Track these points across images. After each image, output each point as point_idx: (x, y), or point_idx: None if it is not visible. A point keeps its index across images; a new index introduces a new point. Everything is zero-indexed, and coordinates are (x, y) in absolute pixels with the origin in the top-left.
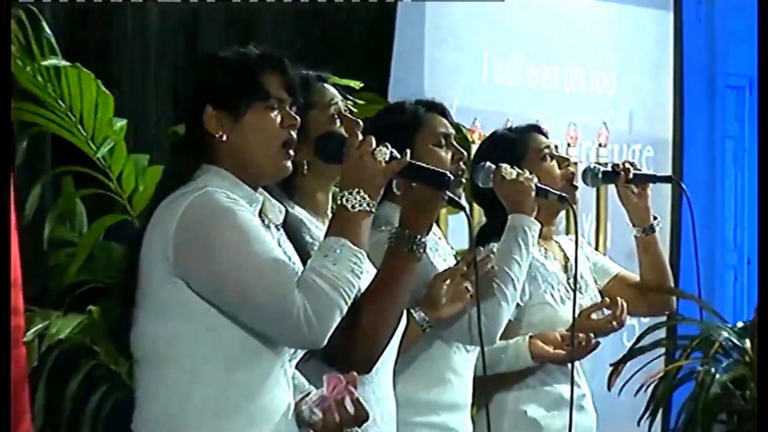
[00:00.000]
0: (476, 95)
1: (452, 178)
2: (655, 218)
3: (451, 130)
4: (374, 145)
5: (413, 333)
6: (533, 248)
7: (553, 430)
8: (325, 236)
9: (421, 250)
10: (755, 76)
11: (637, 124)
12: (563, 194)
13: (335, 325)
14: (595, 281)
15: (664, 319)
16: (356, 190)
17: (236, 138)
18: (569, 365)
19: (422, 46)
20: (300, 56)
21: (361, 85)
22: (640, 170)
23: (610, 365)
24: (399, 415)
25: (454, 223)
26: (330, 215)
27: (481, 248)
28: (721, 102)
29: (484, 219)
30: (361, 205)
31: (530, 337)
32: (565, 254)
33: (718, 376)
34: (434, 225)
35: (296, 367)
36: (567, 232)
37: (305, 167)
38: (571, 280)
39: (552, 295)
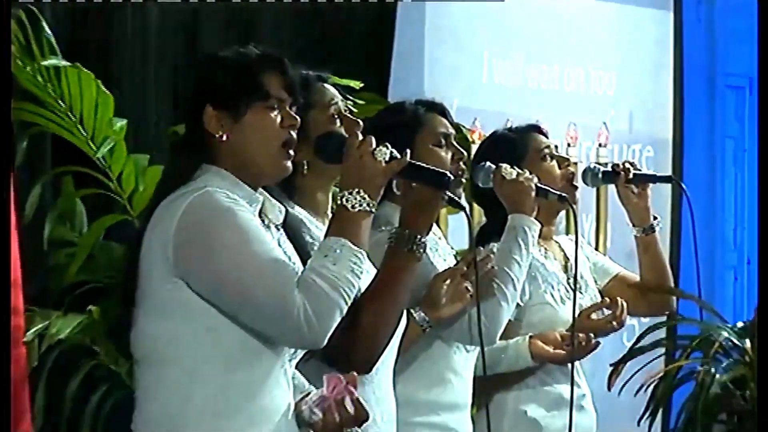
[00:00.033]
0: (476, 95)
1: (452, 178)
2: (655, 218)
3: (451, 130)
4: (374, 145)
5: (413, 333)
6: (533, 248)
7: (553, 430)
8: (325, 236)
9: (421, 250)
10: (755, 76)
11: (637, 124)
12: (563, 194)
13: (335, 325)
14: (595, 281)
15: (664, 319)
16: (356, 190)
17: (236, 138)
18: (569, 365)
19: (422, 46)
20: (300, 56)
21: (361, 85)
22: (640, 170)
23: (610, 365)
24: (399, 415)
25: (454, 223)
26: (330, 215)
27: (481, 248)
28: (721, 102)
29: (484, 219)
30: (361, 205)
31: (530, 337)
32: (565, 254)
33: (718, 376)
34: (434, 225)
35: (296, 367)
36: (567, 232)
37: (305, 167)
38: (571, 280)
39: (552, 295)
